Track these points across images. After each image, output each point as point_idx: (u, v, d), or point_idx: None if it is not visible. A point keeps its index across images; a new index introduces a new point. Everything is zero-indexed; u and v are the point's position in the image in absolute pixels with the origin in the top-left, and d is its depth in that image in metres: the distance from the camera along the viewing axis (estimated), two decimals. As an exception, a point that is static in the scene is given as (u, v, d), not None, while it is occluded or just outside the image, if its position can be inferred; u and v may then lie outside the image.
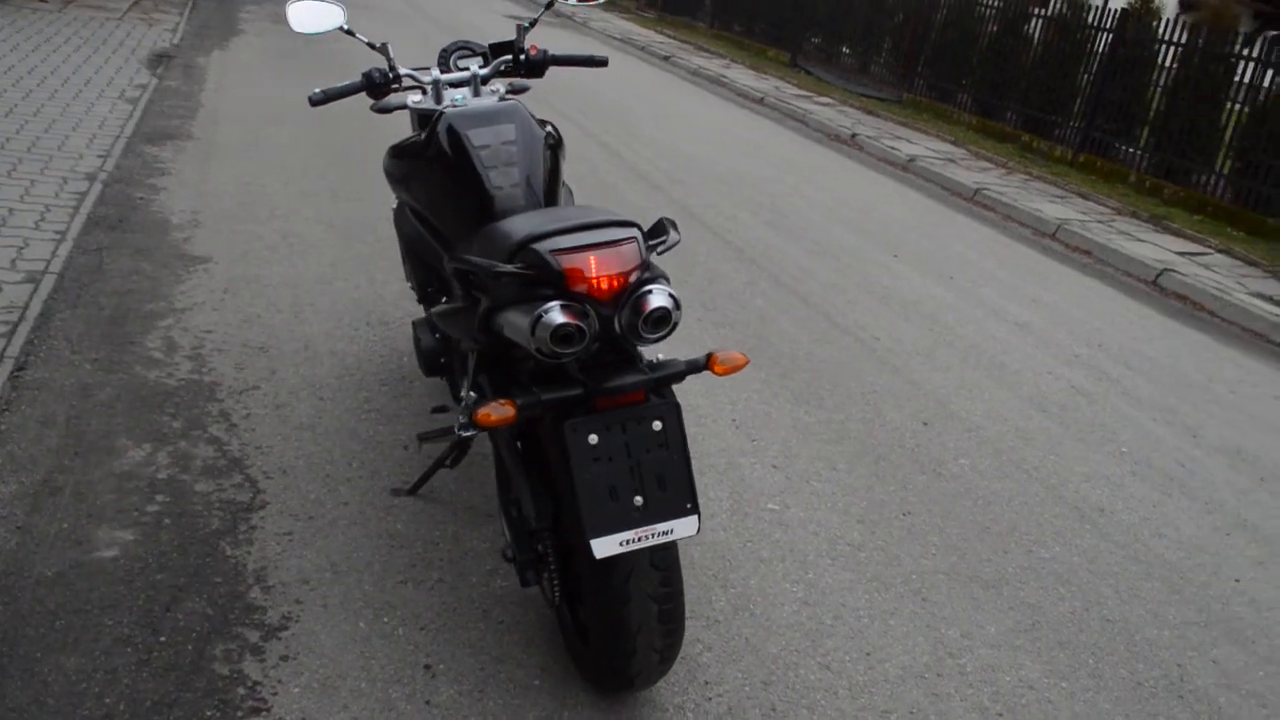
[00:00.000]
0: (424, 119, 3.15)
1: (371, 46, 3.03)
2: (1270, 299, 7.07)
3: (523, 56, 3.16)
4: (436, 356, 2.97)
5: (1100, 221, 8.60)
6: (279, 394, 3.52)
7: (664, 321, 1.97)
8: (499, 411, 1.91)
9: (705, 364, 2.04)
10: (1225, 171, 9.51)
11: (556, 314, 1.88)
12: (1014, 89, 11.88)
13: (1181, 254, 7.94)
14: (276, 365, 3.72)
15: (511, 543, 2.40)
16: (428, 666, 2.41)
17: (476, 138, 2.66)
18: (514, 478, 2.30)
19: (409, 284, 3.70)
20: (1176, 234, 8.61)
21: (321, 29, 2.98)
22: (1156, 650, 2.98)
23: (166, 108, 7.36)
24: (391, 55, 3.00)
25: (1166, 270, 7.33)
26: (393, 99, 3.04)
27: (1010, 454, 4.05)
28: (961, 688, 2.68)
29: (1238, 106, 9.73)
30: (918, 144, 10.85)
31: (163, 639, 2.35)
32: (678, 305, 1.97)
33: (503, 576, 2.77)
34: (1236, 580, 3.44)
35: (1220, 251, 8.23)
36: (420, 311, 3.33)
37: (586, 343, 1.92)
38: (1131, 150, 10.43)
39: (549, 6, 3.38)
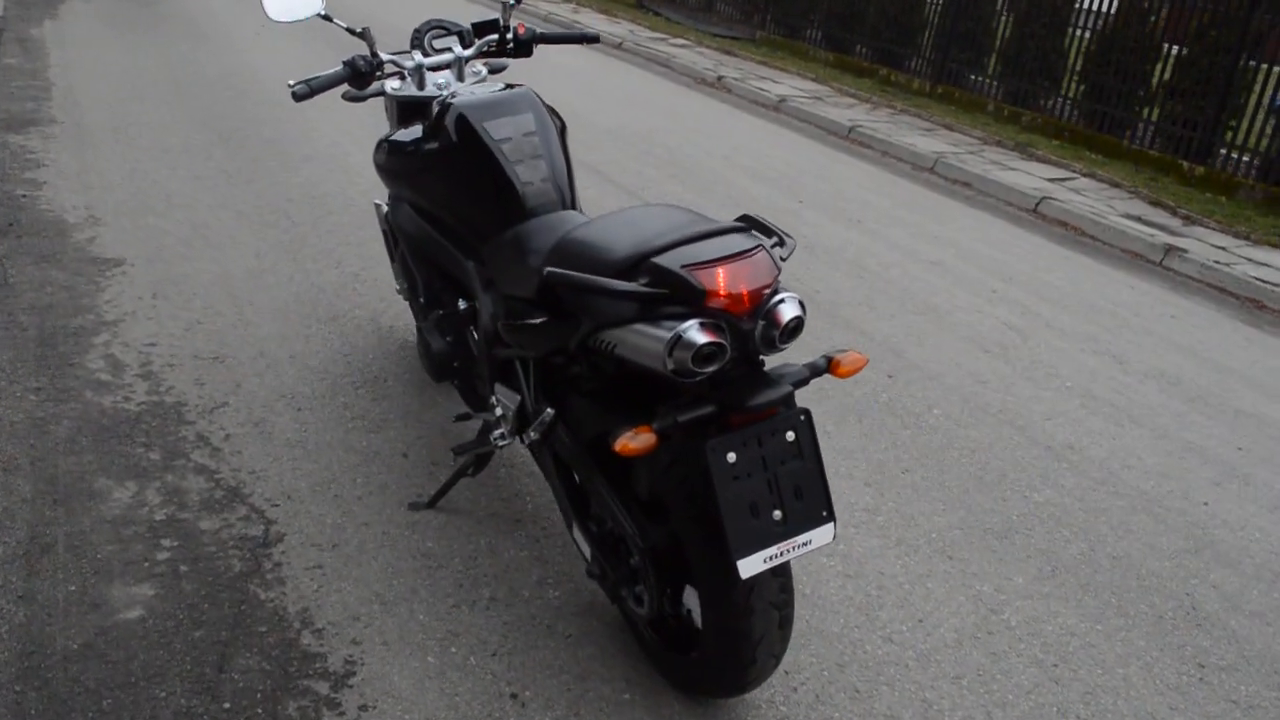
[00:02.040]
0: (407, 108, 2.94)
1: (352, 32, 2.79)
2: (1140, 219, 7.44)
3: (509, 35, 2.97)
4: (449, 361, 2.80)
5: (971, 153, 8.85)
6: (252, 409, 3.27)
7: (799, 330, 1.88)
8: (639, 440, 1.80)
9: (826, 367, 1.97)
10: (1074, 96, 9.92)
11: (697, 333, 1.77)
12: (863, 23, 12.06)
13: (1052, 180, 8.26)
14: (238, 377, 3.45)
15: (595, 561, 2.29)
16: (514, 695, 2.29)
17: (496, 130, 2.49)
18: (601, 497, 2.18)
19: (398, 287, 3.48)
20: (1042, 160, 8.94)
21: (300, 15, 2.73)
22: (1164, 582, 3.11)
23: (15, 89, 6.71)
24: (374, 41, 2.77)
25: (1045, 198, 7.61)
26: (369, 87, 2.83)
27: (974, 399, 4.14)
28: (1013, 643, 2.73)
29: (1082, 32, 10.15)
30: (783, 83, 10.92)
31: (227, 705, 2.16)
32: (804, 309, 1.89)
33: (553, 586, 2.66)
34: (1205, 503, 3.62)
35: (1085, 175, 8.60)
36: (381, 307, 3.12)
37: (726, 360, 1.82)
38: (983, 79, 10.76)
39: None
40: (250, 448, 3.06)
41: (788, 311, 1.84)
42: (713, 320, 1.79)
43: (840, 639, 2.64)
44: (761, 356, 1.91)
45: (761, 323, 1.83)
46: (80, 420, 3.08)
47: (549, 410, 2.22)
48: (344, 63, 2.73)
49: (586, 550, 2.33)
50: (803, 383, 1.92)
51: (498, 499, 2.98)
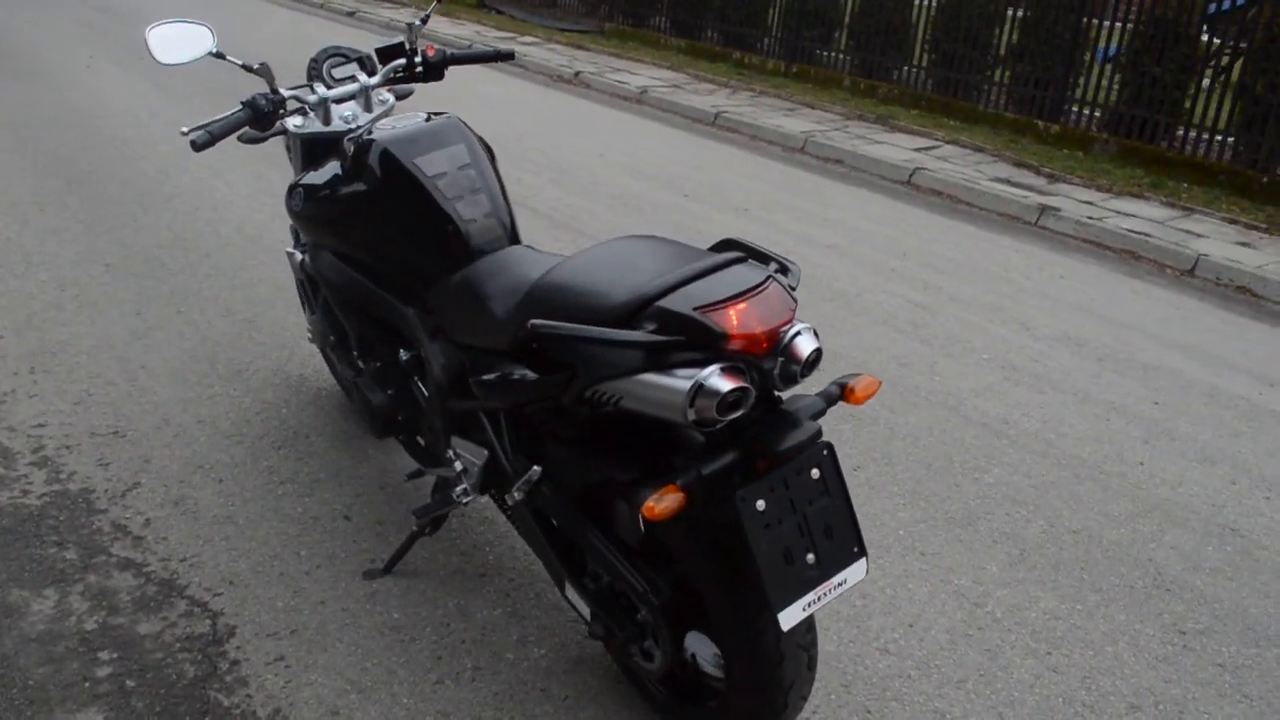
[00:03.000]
0: (312, 147, 2.71)
1: (249, 69, 2.55)
2: (1008, 181, 7.63)
3: (417, 59, 2.77)
4: (393, 415, 2.60)
5: (837, 129, 8.94)
6: (168, 487, 2.99)
7: (818, 363, 1.77)
8: (666, 502, 1.65)
9: (840, 395, 1.86)
10: (925, 65, 10.12)
11: (719, 379, 1.63)
12: (709, 7, 12.07)
13: (919, 150, 8.41)
14: (145, 451, 3.15)
15: (597, 620, 2.14)
16: (524, 774, 2.13)
17: (428, 165, 2.30)
18: (600, 553, 2.03)
19: (309, 336, 3.23)
20: (905, 131, 9.10)
21: (190, 56, 2.48)
22: (1125, 550, 3.14)
23: None
24: (274, 77, 2.54)
25: (917, 169, 7.73)
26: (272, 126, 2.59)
27: (902, 383, 4.12)
28: (1004, 635, 2.70)
29: (928, 1, 10.36)
30: (640, 74, 10.84)
31: (213, 835, 1.93)
32: (818, 338, 1.78)
33: (535, 643, 2.49)
34: (1141, 463, 3.68)
35: (949, 143, 8.78)
36: (309, 361, 2.89)
37: (750, 404, 1.69)
38: (835, 55, 10.89)
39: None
40: (175, 531, 2.79)
41: (806, 345, 1.72)
42: (733, 364, 1.65)
43: (839, 657, 2.55)
44: (777, 393, 1.79)
45: (780, 359, 1.71)
46: (-24, 524, 2.76)
47: (535, 468, 2.05)
48: (243, 103, 2.50)
49: (584, 610, 2.17)
50: (819, 414, 1.81)
51: (456, 554, 2.79)
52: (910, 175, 7.75)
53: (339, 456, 3.18)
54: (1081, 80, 8.91)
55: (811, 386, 1.86)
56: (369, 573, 2.66)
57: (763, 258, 1.90)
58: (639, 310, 1.72)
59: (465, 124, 2.47)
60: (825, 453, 1.77)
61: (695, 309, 1.65)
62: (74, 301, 4.14)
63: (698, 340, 1.65)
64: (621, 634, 2.09)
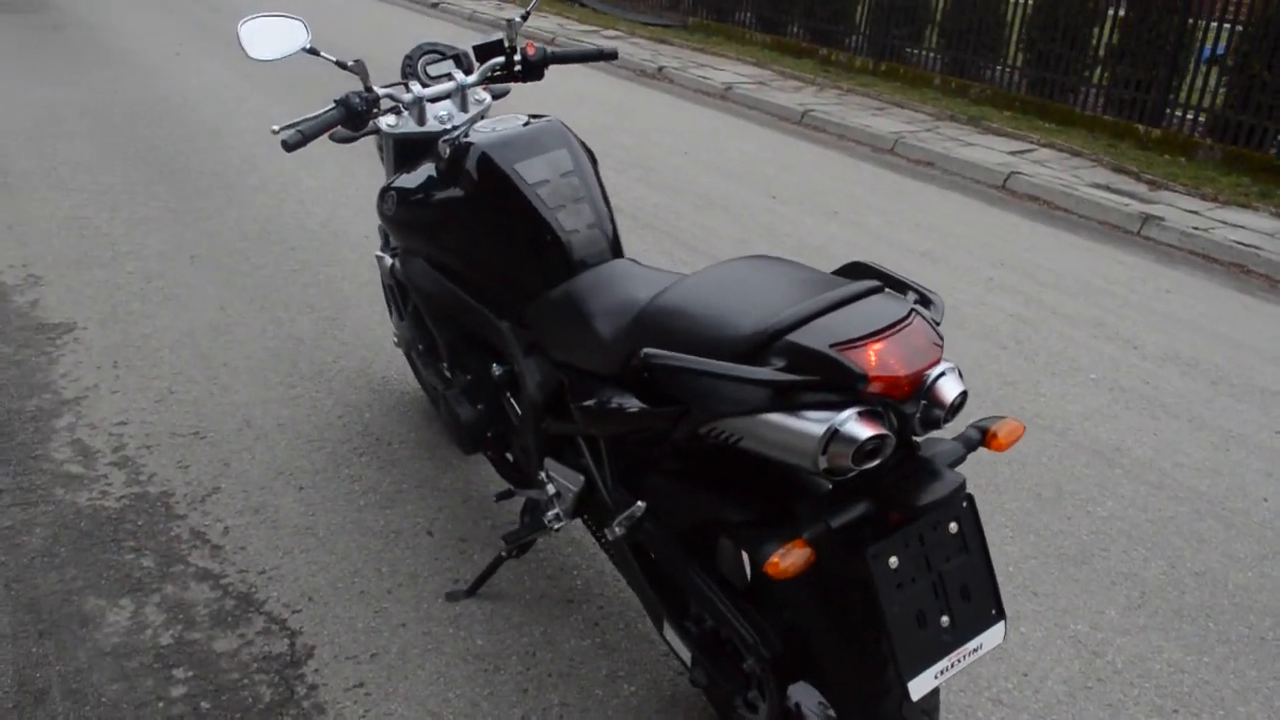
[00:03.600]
0: (405, 148, 2.60)
1: (343, 66, 2.44)
2: (1108, 188, 7.31)
3: (517, 57, 2.64)
4: (482, 431, 2.47)
5: (928, 130, 8.67)
6: (248, 493, 2.91)
7: (963, 406, 1.60)
8: (793, 559, 1.49)
9: (981, 440, 1.68)
10: (1018, 64, 9.79)
11: (857, 426, 1.47)
12: (795, 2, 11.83)
13: (1013, 154, 8.12)
14: (225, 454, 3.08)
15: (698, 667, 1.99)
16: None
17: (528, 171, 2.17)
18: (706, 597, 1.88)
19: (395, 340, 3.13)
20: (998, 133, 8.80)
21: (283, 53, 2.38)
22: (1254, 596, 2.91)
23: (-80, 136, 6.17)
24: (368, 74, 2.43)
25: (1012, 173, 7.45)
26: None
27: (1007, 404, 3.91)
28: (1126, 689, 2.50)
29: (1020, -1, 10.03)
30: (724, 70, 10.65)
31: None
32: (962, 378, 1.60)
33: (626, 679, 2.35)
34: (1265, 499, 3.43)
35: (1044, 146, 8.47)
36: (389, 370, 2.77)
37: (888, 453, 1.53)
38: (923, 53, 10.59)
39: None
40: (255, 540, 2.70)
41: (951, 388, 1.55)
42: (872, 408, 1.49)
43: (949, 708, 2.38)
44: (915, 438, 1.62)
45: (922, 402, 1.54)
46: (55, 525, 2.70)
47: (639, 504, 1.91)
48: (336, 102, 2.39)
49: (685, 654, 2.03)
50: (958, 462, 1.64)
51: (543, 577, 2.66)
52: (1005, 180, 7.47)
53: (422, 466, 3.08)
54: (1184, 83, 8.52)
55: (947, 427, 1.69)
56: (452, 594, 2.54)
57: (900, 286, 1.73)
58: (767, 344, 1.56)
59: (568, 128, 2.34)
60: (965, 505, 1.60)
61: (832, 346, 1.49)
62: (159, 294, 4.10)
63: (833, 381, 1.49)
64: (726, 685, 1.94)
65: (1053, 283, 5.36)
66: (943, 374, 1.54)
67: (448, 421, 2.50)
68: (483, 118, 2.71)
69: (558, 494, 2.22)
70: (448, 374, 2.62)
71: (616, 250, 2.22)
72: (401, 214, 2.49)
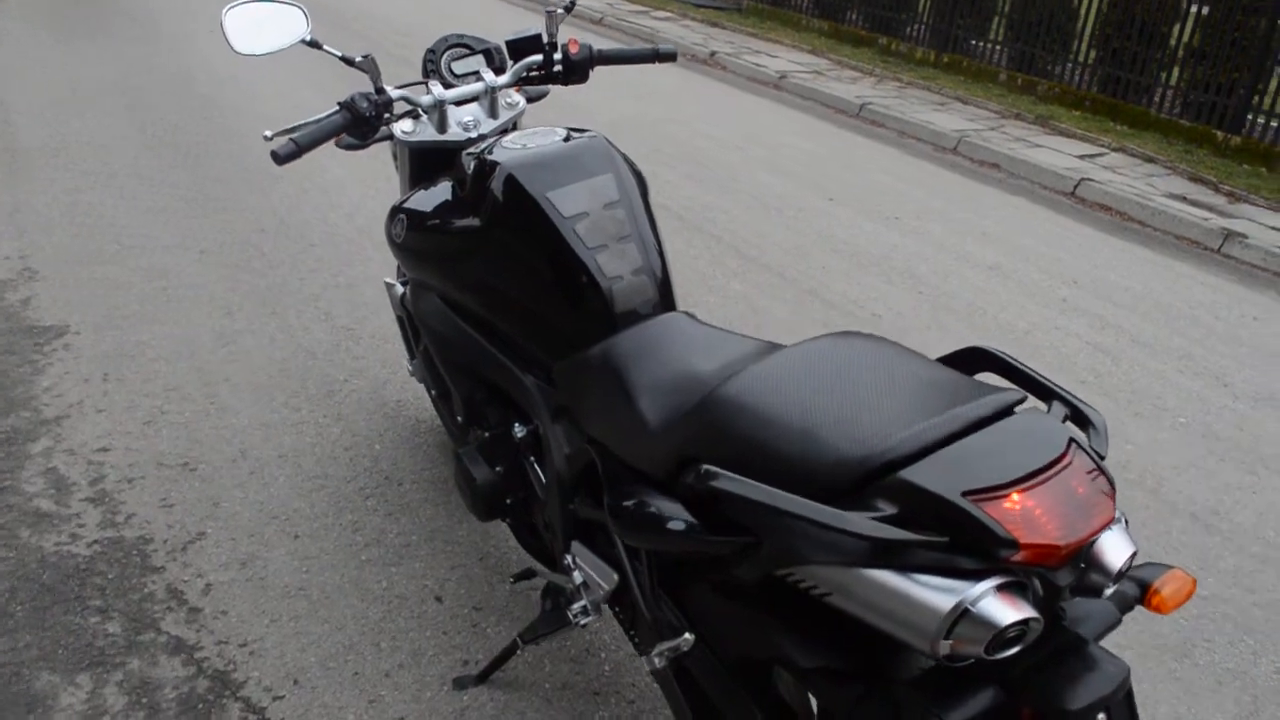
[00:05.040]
0: (424, 157, 2.23)
1: (349, 62, 2.08)
2: (1185, 199, 6.84)
3: (557, 55, 2.26)
4: (499, 497, 2.11)
5: (992, 129, 8.21)
6: (237, 541, 2.57)
7: (1128, 572, 1.21)
8: None
9: (1140, 598, 1.29)
10: (1088, 61, 9.26)
11: (997, 605, 1.09)
12: (855, -13, 11.36)
13: (1083, 157, 7.64)
14: (215, 491, 2.74)
15: None
16: None
17: (564, 201, 1.79)
18: None
19: (410, 369, 2.78)
20: (1066, 134, 8.31)
21: (275, 46, 2.02)
22: (1387, 708, 2.49)
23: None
24: (379, 72, 2.06)
25: (1083, 179, 6.99)
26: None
27: (1091, 452, 3.49)
28: (1246, 831, 2.10)
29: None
30: (778, 56, 10.20)
31: None
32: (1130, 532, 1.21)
33: (657, 800, 1.99)
34: (1393, 582, 3.01)
35: (1116, 150, 7.98)
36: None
37: (1034, 639, 1.14)
38: (988, 45, 10.08)
39: None
40: (238, 603, 2.36)
41: (1119, 551, 1.16)
42: (1016, 579, 1.11)
43: None
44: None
45: (1081, 565, 1.15)
46: (14, 577, 2.37)
47: (686, 636, 1.53)
48: (340, 105, 2.03)
49: None
50: (1111, 628, 1.25)
51: (565, 660, 2.30)
52: (1075, 186, 7.01)
53: (434, 514, 2.73)
54: (1269, 88, 7.98)
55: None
56: (460, 680, 2.19)
57: (1042, 390, 1.33)
58: (874, 477, 1.18)
59: (614, 146, 1.96)
60: (1123, 699, 1.21)
61: (965, 494, 1.10)
62: (162, 295, 3.78)
63: (966, 543, 1.10)
64: None
65: (1130, 305, 4.93)
66: (1110, 530, 1.15)
67: (461, 483, 2.13)
68: (515, 126, 2.34)
69: (584, 584, 1.86)
70: (462, 427, 2.25)
71: (668, 302, 1.84)
72: (413, 241, 2.12)
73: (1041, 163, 7.31)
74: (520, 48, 2.30)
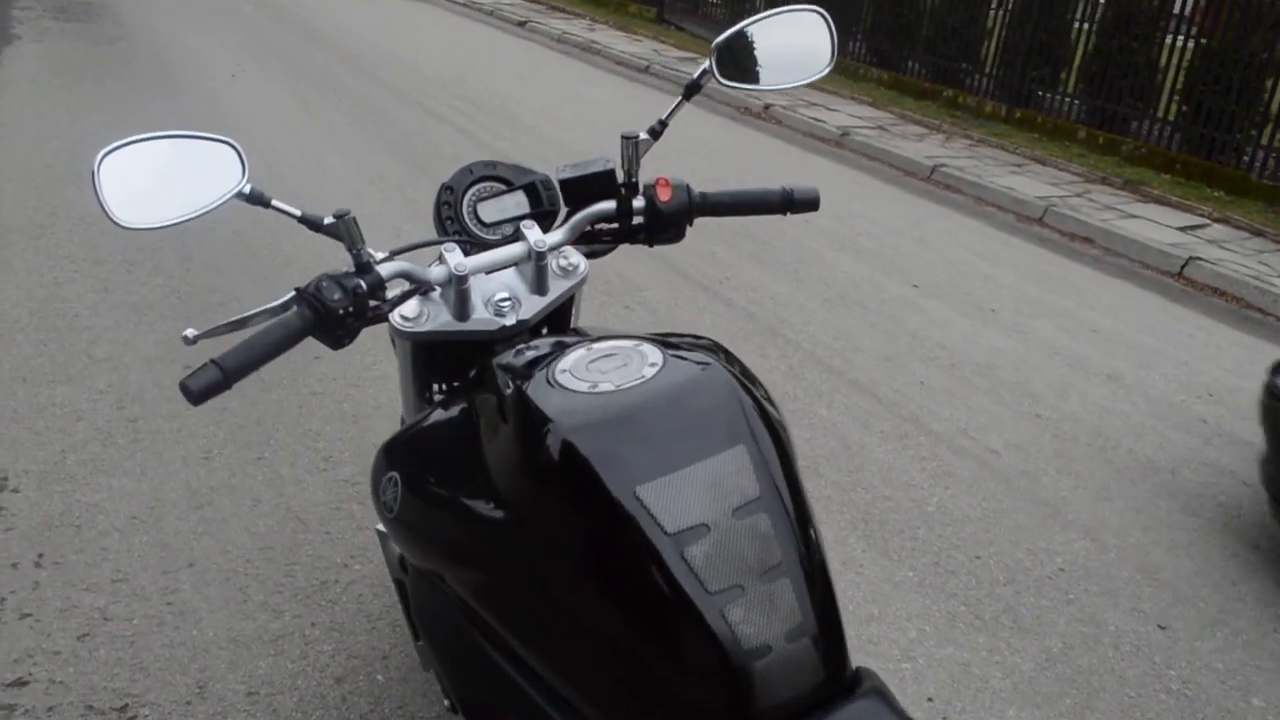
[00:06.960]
0: (435, 351, 1.51)
1: (314, 226, 1.36)
2: (1309, 283, 6.05)
3: (637, 202, 1.54)
4: None
5: (1078, 195, 7.47)
6: None
7: None
8: None
9: None
10: (1173, 117, 8.50)
11: None
12: (915, 36, 10.64)
13: (1183, 230, 6.89)
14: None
15: None
16: None
17: (668, 504, 1.05)
18: None
19: (423, 661, 2.03)
20: (1160, 202, 7.56)
21: (191, 209, 1.30)
22: None
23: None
24: (358, 235, 1.34)
25: (1191, 259, 6.22)
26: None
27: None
28: None
29: (1178, 41, 8.73)
30: (837, 110, 9.51)
31: None
32: None
33: None
34: None
35: (1217, 221, 7.23)
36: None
37: None
38: (1059, 98, 9.33)
39: (691, 94, 1.71)
40: None
41: None
42: None
43: None
44: None
45: None
46: None
47: None
48: (298, 294, 1.30)
49: None
50: None
51: None
52: (1182, 266, 6.25)
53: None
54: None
55: None
56: None
57: None
58: None
59: (739, 379, 1.21)
60: None
61: None
62: (129, 430, 3.08)
63: None
64: None
65: None
66: None
67: None
68: (573, 307, 1.62)
69: None
70: None
71: (838, 666, 1.09)
72: (413, 515, 1.36)
73: (1141, 237, 6.56)
74: (582, 188, 1.57)
